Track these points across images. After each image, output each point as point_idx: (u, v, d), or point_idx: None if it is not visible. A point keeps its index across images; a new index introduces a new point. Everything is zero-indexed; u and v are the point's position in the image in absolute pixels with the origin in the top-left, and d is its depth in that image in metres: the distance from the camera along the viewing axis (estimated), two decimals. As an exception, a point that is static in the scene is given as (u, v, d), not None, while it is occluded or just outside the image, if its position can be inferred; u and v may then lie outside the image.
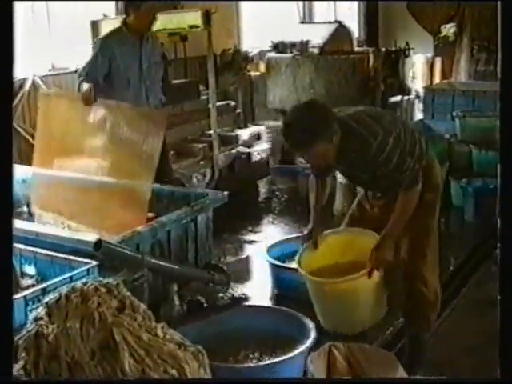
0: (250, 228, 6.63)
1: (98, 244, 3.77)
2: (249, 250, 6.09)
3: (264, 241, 5.91)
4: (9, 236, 2.15)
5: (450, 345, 4.21)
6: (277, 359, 3.71)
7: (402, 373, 3.36)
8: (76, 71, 6.02)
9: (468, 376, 3.83)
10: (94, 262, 3.62)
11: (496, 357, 4.15)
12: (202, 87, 7.61)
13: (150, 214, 4.84)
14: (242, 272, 5.52)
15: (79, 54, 6.85)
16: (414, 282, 3.83)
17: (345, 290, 3.69)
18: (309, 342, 3.70)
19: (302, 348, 3.67)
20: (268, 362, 3.77)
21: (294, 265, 5.07)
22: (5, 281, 2.18)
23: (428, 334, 4.00)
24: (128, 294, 2.78)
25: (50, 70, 7.10)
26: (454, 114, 8.09)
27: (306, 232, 4.02)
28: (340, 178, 6.28)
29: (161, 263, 4.24)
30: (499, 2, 2.06)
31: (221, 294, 4.71)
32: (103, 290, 2.70)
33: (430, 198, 3.81)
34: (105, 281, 2.79)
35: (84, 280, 3.00)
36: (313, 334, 3.79)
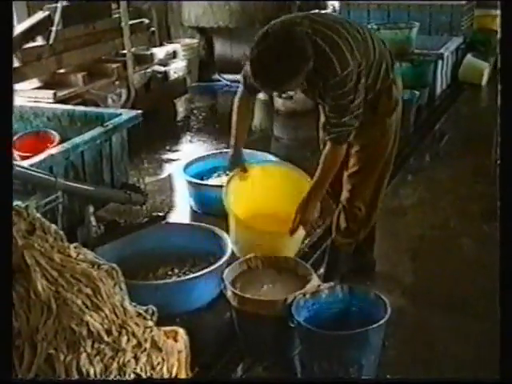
0: (168, 147, 6.59)
1: (8, 168, 3.70)
2: (167, 169, 6.07)
3: (182, 159, 5.87)
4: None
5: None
6: (193, 275, 3.74)
7: (317, 282, 3.43)
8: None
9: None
10: (5, 186, 3.55)
11: (406, 263, 4.33)
12: (114, 5, 7.39)
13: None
14: (161, 191, 5.51)
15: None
16: (354, 199, 3.71)
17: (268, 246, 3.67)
18: (225, 257, 3.73)
19: (218, 263, 3.70)
20: (184, 278, 3.80)
21: (212, 182, 5.10)
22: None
23: (352, 248, 3.95)
24: (38, 215, 2.73)
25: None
26: (369, 26, 8.08)
27: (229, 157, 3.84)
28: (260, 94, 6.25)
29: (75, 185, 4.19)
30: (499, 2, 2.05)
31: (138, 214, 4.69)
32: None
33: (389, 122, 3.58)
34: (13, 204, 2.74)
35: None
36: (229, 249, 3.82)
